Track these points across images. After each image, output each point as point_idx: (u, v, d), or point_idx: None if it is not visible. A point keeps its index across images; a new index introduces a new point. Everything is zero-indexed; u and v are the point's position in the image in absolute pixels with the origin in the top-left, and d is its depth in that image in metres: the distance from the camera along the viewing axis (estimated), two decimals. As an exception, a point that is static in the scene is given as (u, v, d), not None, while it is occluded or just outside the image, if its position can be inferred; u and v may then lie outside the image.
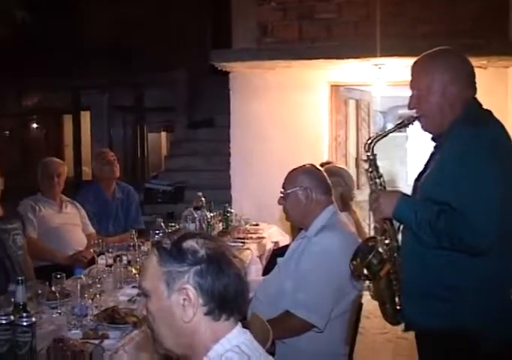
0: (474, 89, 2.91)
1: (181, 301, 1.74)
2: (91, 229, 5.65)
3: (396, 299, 2.91)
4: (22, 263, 4.52)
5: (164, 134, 14.44)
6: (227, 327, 1.78)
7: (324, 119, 8.02)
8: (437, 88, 2.85)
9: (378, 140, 3.01)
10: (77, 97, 13.37)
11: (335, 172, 4.75)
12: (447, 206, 2.61)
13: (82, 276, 3.53)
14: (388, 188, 2.99)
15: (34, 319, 2.74)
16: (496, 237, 2.57)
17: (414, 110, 2.95)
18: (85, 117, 13.74)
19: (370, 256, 2.84)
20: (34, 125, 15.20)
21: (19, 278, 2.82)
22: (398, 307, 2.91)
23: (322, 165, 4.70)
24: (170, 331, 1.78)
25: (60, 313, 3.43)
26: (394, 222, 2.88)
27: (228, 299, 1.76)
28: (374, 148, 3.00)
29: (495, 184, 2.60)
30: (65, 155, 13.93)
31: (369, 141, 3.02)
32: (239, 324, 1.82)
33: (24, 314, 2.72)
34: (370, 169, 3.00)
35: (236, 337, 1.77)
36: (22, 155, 14.04)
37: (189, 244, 1.77)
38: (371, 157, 3.00)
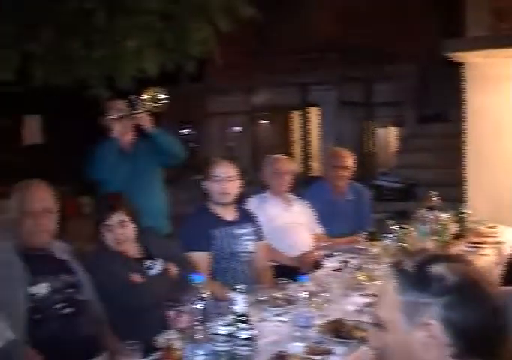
0: None
1: (423, 338, 1.41)
2: (318, 229, 5.41)
3: None
4: (249, 269, 4.44)
5: (392, 129, 14.04)
6: None
7: None
8: None
9: None
10: (305, 93, 13.34)
11: None
12: None
13: (307, 283, 3.31)
14: None
15: (254, 332, 2.55)
16: None
17: None
18: (313, 113, 13.71)
19: None
20: (263, 121, 15.46)
21: (240, 287, 2.63)
22: None
23: None
24: None
25: (283, 322, 3.24)
26: None
27: (482, 339, 1.40)
28: None
29: None
30: (294, 151, 14.00)
31: None
32: None
33: (244, 326, 2.54)
34: None
35: None
36: (252, 151, 14.36)
37: (435, 269, 1.44)
38: None
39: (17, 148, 15.46)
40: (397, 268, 1.50)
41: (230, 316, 2.60)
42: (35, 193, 3.38)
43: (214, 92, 14.23)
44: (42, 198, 3.38)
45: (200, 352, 2.46)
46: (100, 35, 5.30)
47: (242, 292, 2.62)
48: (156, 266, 3.73)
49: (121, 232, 3.67)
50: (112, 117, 4.76)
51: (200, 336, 2.48)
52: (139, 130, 4.94)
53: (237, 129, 15.42)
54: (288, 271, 4.61)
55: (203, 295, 2.64)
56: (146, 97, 4.77)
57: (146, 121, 4.78)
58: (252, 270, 4.47)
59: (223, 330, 2.53)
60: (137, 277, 3.54)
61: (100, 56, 5.27)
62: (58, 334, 3.23)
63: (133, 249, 3.76)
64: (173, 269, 3.71)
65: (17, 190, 3.38)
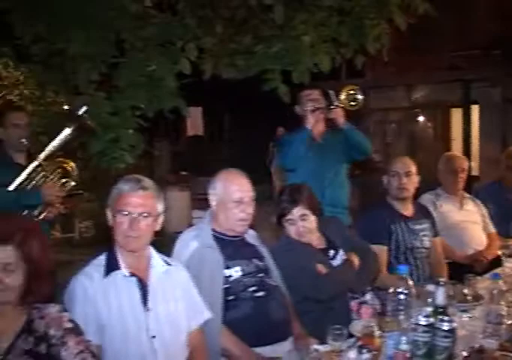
0: None
1: None
2: (492, 229, 5.33)
3: None
4: (428, 264, 4.50)
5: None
6: None
7: None
8: None
9: None
10: (467, 90, 13.01)
11: None
12: None
13: (500, 281, 3.31)
14: None
15: (454, 325, 2.60)
16: None
17: None
18: (475, 111, 13.34)
19: None
20: (422, 118, 15.22)
21: (441, 280, 2.68)
22: None
23: None
24: None
25: (470, 318, 3.26)
26: None
27: None
28: None
29: None
30: (452, 149, 13.71)
31: None
32: None
33: (445, 318, 2.60)
34: None
35: None
36: (409, 148, 14.19)
37: None
38: None
39: (183, 139, 16.09)
40: None
41: (429, 308, 2.66)
42: (242, 183, 3.53)
43: (374, 88, 14.16)
44: (249, 188, 3.53)
45: (403, 340, 2.53)
46: (276, 30, 5.44)
47: (442, 285, 2.67)
48: (339, 257, 3.82)
49: (303, 224, 3.78)
50: (308, 108, 4.90)
51: (402, 325, 2.56)
52: (329, 122, 5.06)
53: (395, 125, 15.28)
54: (458, 268, 4.62)
55: (407, 286, 2.71)
56: (343, 94, 4.90)
57: (340, 115, 4.90)
58: (428, 265, 4.50)
59: (423, 321, 2.59)
60: (321, 268, 3.64)
61: (277, 51, 5.40)
62: (250, 316, 3.37)
63: (316, 239, 3.86)
64: (355, 260, 3.79)
65: (220, 179, 3.53)
